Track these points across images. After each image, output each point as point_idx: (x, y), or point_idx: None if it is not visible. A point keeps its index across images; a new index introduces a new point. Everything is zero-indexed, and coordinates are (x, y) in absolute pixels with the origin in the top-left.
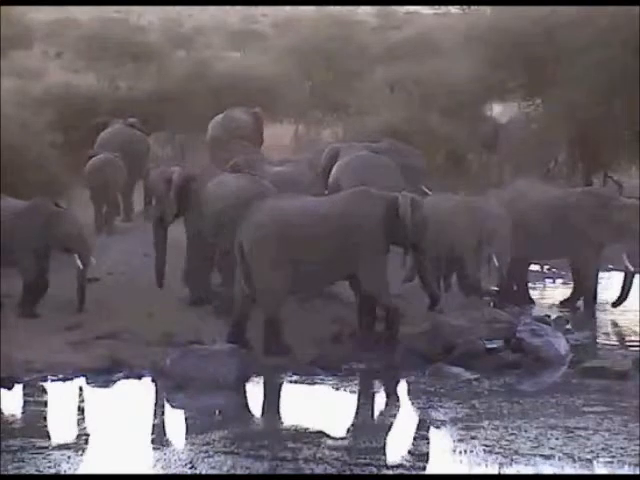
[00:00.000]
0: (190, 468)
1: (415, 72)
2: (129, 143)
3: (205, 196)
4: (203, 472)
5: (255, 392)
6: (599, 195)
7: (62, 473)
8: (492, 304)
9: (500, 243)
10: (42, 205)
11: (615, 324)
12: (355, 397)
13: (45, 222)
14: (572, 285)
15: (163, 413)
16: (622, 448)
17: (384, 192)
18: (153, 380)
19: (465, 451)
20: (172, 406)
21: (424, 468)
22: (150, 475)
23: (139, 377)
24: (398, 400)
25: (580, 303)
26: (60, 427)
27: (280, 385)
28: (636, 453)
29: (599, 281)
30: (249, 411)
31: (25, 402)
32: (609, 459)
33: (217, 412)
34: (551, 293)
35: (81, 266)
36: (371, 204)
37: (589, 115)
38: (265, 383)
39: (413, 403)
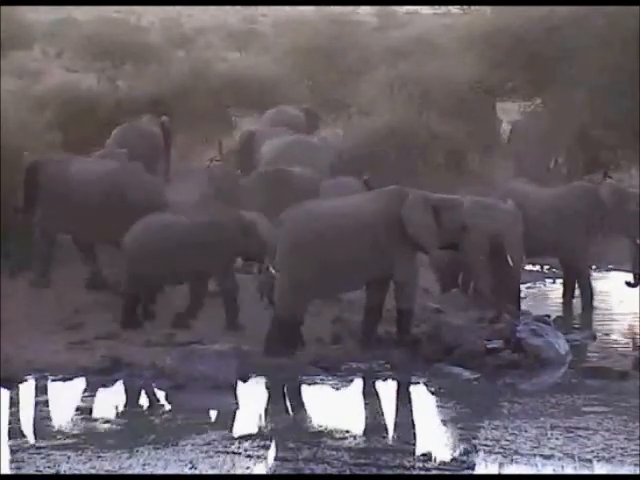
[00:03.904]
0: (190, 468)
1: (415, 72)
2: (138, 140)
3: (65, 182)
4: (203, 472)
5: (256, 392)
6: (588, 190)
7: (62, 473)
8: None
9: (513, 242)
10: (238, 217)
11: (615, 324)
12: (355, 397)
13: (242, 233)
14: (563, 284)
15: (162, 413)
16: (622, 448)
17: (417, 191)
18: (153, 380)
19: (465, 451)
20: (172, 406)
21: (424, 468)
22: (150, 475)
23: (139, 377)
24: (398, 400)
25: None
26: (60, 427)
27: (282, 385)
28: (636, 453)
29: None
30: (248, 411)
31: (25, 402)
32: (609, 459)
33: (217, 412)
34: (551, 293)
35: (276, 273)
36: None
37: (589, 115)
38: (267, 383)
39: (413, 403)
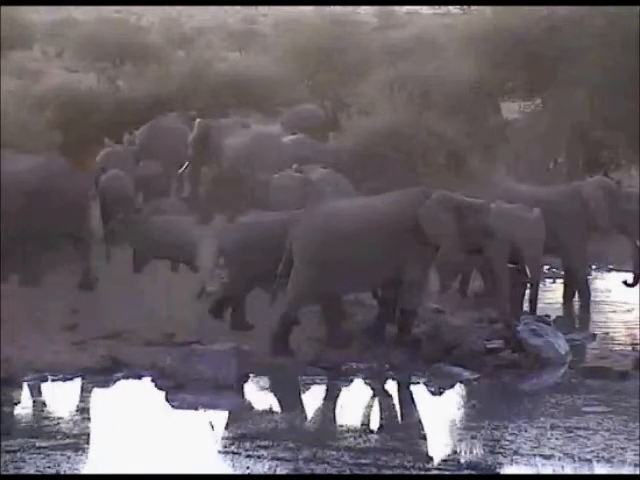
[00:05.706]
0: (190, 468)
1: (415, 72)
2: (164, 138)
3: None
4: (203, 472)
5: (256, 392)
6: (582, 190)
7: (62, 473)
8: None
9: (532, 250)
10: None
11: (614, 323)
12: (354, 397)
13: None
14: (564, 284)
15: (163, 413)
16: (622, 448)
17: (440, 191)
18: (153, 380)
19: (465, 451)
20: (172, 406)
21: (424, 468)
22: (150, 475)
23: (139, 377)
24: (399, 400)
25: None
26: (60, 427)
27: (282, 385)
28: (636, 453)
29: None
30: (248, 411)
31: (25, 402)
32: (609, 459)
33: (217, 412)
34: (551, 293)
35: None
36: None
37: (589, 115)
38: (267, 383)
39: (413, 403)
